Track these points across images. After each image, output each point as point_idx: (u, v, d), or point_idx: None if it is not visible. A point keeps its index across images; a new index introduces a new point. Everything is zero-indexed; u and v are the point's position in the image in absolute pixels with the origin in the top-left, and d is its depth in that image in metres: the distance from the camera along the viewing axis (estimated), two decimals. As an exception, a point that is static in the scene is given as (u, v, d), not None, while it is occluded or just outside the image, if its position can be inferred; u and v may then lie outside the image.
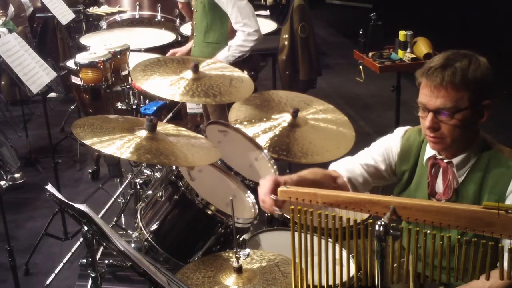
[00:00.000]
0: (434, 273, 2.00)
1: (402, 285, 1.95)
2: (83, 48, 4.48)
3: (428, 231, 1.76)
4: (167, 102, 3.52)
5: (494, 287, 1.97)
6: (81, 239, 3.35)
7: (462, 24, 7.45)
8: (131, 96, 3.57)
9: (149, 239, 2.56)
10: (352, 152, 3.23)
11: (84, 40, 4.77)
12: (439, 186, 2.16)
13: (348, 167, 2.32)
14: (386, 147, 2.29)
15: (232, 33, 3.75)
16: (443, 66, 1.97)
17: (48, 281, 3.46)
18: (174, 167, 2.60)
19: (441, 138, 2.04)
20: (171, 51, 4.19)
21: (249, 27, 3.65)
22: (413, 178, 2.24)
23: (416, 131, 2.24)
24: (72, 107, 5.48)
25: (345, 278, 2.26)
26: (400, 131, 2.29)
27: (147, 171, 3.49)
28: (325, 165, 3.24)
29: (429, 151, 2.17)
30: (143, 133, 2.55)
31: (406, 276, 1.89)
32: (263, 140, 3.12)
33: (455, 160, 2.10)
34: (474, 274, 1.81)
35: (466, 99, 1.97)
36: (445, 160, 2.12)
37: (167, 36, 4.92)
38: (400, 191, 2.28)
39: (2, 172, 4.37)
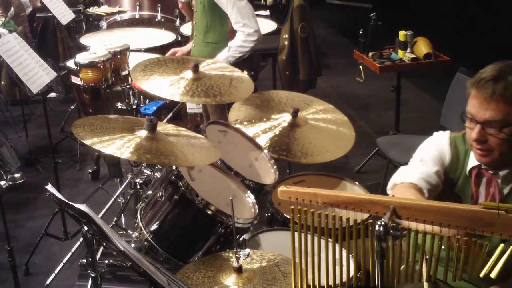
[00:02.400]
0: (448, 274, 1.98)
1: (412, 285, 1.95)
2: (83, 48, 4.48)
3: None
4: (167, 102, 3.51)
5: None
6: (81, 239, 3.35)
7: (462, 24, 7.45)
8: (131, 96, 3.57)
9: (149, 239, 2.56)
10: (352, 152, 3.25)
11: (84, 40, 4.77)
12: (482, 196, 2.11)
13: (425, 177, 2.16)
14: (440, 154, 2.19)
15: (232, 33, 3.75)
16: (495, 79, 1.93)
17: (48, 281, 3.46)
18: (174, 167, 2.60)
19: (488, 151, 2.00)
20: (171, 50, 4.19)
21: (249, 27, 3.65)
22: (456, 187, 2.18)
23: (460, 139, 2.18)
24: (72, 107, 5.48)
25: (345, 278, 2.26)
26: (445, 138, 2.21)
27: (147, 171, 3.49)
28: (325, 165, 3.26)
29: (473, 161, 2.12)
30: (143, 133, 2.55)
31: (419, 276, 1.87)
32: (263, 140, 3.12)
33: (502, 173, 2.06)
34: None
35: None
36: (490, 171, 2.08)
37: (167, 36, 4.92)
38: (446, 198, 2.14)
39: (2, 172, 4.37)
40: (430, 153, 2.20)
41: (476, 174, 2.11)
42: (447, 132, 2.23)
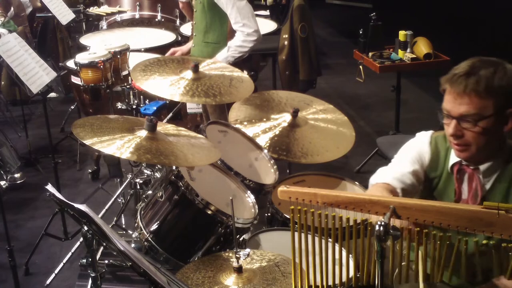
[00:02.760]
0: (445, 274, 1.99)
1: (410, 285, 1.95)
2: (83, 48, 4.48)
3: (451, 235, 1.75)
4: (167, 102, 3.51)
5: None
6: (81, 239, 3.35)
7: (462, 24, 7.45)
8: (131, 96, 3.57)
9: (149, 239, 2.56)
10: (352, 152, 3.25)
11: (84, 40, 4.77)
12: (465, 192, 2.14)
13: (399, 177, 2.20)
14: (419, 153, 2.23)
15: (231, 33, 3.75)
16: (467, 74, 1.97)
17: (48, 281, 3.46)
18: (174, 167, 2.60)
19: (466, 146, 2.03)
20: (171, 50, 4.19)
21: (249, 27, 3.65)
22: (439, 184, 2.21)
23: (441, 137, 2.21)
24: (72, 107, 5.48)
25: (345, 278, 2.26)
26: (426, 137, 2.25)
27: (147, 171, 3.49)
28: (325, 165, 3.26)
29: (454, 158, 2.14)
30: (143, 133, 2.55)
31: (415, 276, 1.88)
32: (263, 140, 3.12)
33: (482, 167, 2.08)
34: (491, 276, 1.81)
35: (490, 106, 1.96)
36: (471, 167, 2.10)
37: (167, 36, 4.92)
38: (425, 197, 2.20)
39: (2, 172, 4.36)
40: (408, 153, 2.24)
41: (458, 171, 2.14)
42: (429, 132, 2.26)
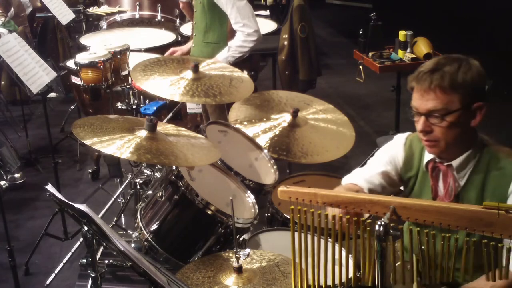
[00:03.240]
0: (436, 274, 2.00)
1: (405, 285, 1.95)
2: (83, 48, 4.48)
3: (433, 232, 1.76)
4: (167, 102, 3.51)
5: (497, 287, 1.97)
6: (81, 239, 3.35)
7: (462, 24, 7.45)
8: (131, 96, 3.57)
9: (149, 239, 2.56)
10: (353, 152, 3.25)
11: (84, 40, 4.77)
12: (441, 189, 2.17)
13: (366, 178, 2.30)
14: (392, 155, 2.30)
15: (231, 33, 3.75)
16: (432, 70, 2.02)
17: (48, 281, 3.46)
18: (174, 167, 2.60)
19: (435, 141, 2.07)
20: (171, 49, 4.19)
21: (249, 27, 3.65)
22: (416, 184, 2.25)
23: (416, 137, 2.24)
24: (72, 107, 5.48)
25: (345, 278, 2.26)
26: (401, 138, 2.31)
27: (147, 171, 3.49)
28: (325, 165, 3.26)
29: (428, 155, 2.18)
30: (143, 133, 2.55)
31: (410, 276, 1.88)
32: (263, 140, 3.12)
33: (455, 163, 2.12)
34: (477, 274, 1.81)
35: (457, 101, 2.01)
36: (445, 163, 2.14)
37: (167, 36, 4.92)
38: (405, 197, 2.27)
39: (2, 172, 4.36)
40: (381, 155, 2.33)
41: (432, 168, 2.18)
42: (406, 134, 2.32)
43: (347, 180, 2.35)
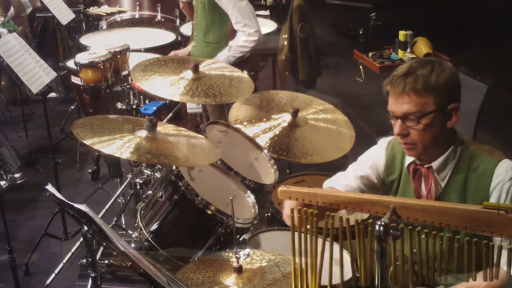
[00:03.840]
0: (429, 274, 2.00)
1: (400, 285, 1.96)
2: (83, 48, 4.48)
3: (422, 230, 1.76)
4: (167, 102, 3.51)
5: (489, 286, 1.98)
6: (81, 239, 3.35)
7: (462, 24, 7.44)
8: (131, 96, 3.57)
9: (149, 239, 2.56)
10: (353, 152, 3.25)
11: (84, 40, 4.77)
12: (423, 191, 2.20)
13: (344, 182, 2.38)
14: (374, 159, 2.35)
15: (232, 33, 3.75)
16: (405, 74, 2.04)
17: (48, 281, 3.46)
18: (174, 167, 2.60)
19: (413, 144, 2.10)
20: (172, 52, 4.19)
21: (250, 27, 3.65)
22: (400, 186, 2.29)
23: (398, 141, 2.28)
24: (72, 107, 5.48)
25: (345, 278, 2.26)
26: (383, 142, 2.35)
27: (147, 171, 3.49)
28: (325, 165, 3.26)
29: (409, 158, 2.21)
30: (143, 133, 2.55)
31: (404, 277, 1.89)
32: (263, 140, 3.12)
33: (435, 164, 2.14)
34: (471, 273, 1.81)
35: (431, 103, 2.03)
36: (425, 166, 2.16)
37: (167, 36, 4.92)
38: None
39: (2, 172, 4.37)
40: (363, 159, 2.40)
41: (413, 170, 2.20)
42: (389, 138, 2.35)
43: (327, 183, 2.43)
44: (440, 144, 2.11)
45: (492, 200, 2.05)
